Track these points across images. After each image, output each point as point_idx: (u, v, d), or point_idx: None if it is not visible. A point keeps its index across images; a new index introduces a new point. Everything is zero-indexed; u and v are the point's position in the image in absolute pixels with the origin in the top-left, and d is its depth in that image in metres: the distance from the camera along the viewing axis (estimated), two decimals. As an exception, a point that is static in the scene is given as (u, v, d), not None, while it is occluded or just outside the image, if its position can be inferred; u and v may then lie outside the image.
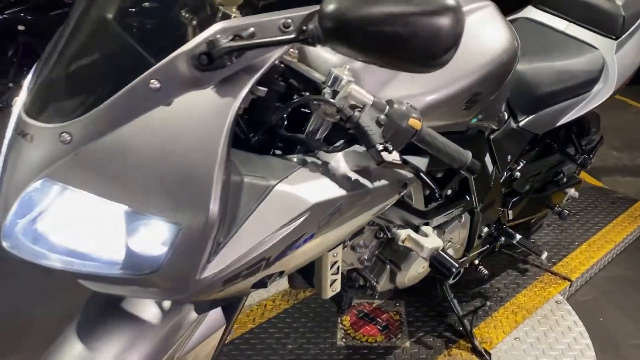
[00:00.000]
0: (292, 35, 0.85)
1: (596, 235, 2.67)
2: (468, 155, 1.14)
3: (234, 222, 0.91)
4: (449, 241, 1.77)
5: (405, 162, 1.10)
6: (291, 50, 1.13)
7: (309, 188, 1.00)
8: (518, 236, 1.98)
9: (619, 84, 1.89)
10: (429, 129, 1.08)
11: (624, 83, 1.92)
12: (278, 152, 1.08)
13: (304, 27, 0.84)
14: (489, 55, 1.27)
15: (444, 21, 0.80)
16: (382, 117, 1.02)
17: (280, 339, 2.09)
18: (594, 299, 2.40)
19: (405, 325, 2.14)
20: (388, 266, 1.63)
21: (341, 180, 1.06)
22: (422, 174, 1.17)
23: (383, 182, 1.14)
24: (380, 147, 1.01)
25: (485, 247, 1.98)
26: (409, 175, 1.21)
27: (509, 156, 1.75)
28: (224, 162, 0.85)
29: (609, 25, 1.90)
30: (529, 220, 2.39)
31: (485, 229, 1.88)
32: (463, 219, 1.76)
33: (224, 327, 1.23)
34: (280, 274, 1.06)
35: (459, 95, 1.23)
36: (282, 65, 1.08)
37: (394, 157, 1.06)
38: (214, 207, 0.85)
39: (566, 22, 1.97)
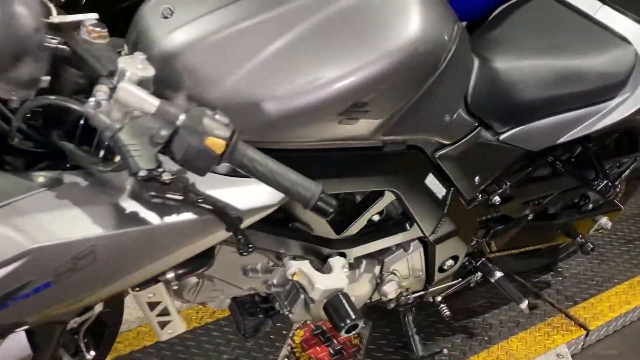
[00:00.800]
0: None
1: (638, 277, 2.14)
2: (314, 190, 0.82)
3: None
4: (392, 272, 1.43)
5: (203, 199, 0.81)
6: (90, 26, 0.86)
7: (36, 223, 0.74)
8: (498, 274, 1.58)
9: None
10: (252, 152, 0.78)
11: None
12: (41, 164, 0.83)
13: None
14: (384, 48, 0.91)
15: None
16: (163, 132, 0.74)
17: (220, 345, 1.87)
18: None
19: (362, 354, 1.83)
20: (302, 295, 1.34)
21: (103, 212, 0.78)
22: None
23: (189, 215, 0.85)
24: (144, 173, 0.73)
25: (456, 281, 1.60)
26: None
27: (477, 177, 1.35)
28: None
29: None
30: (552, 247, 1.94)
31: (450, 262, 1.50)
32: (411, 248, 1.41)
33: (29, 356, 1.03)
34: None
35: (325, 105, 0.89)
36: (68, 48, 0.83)
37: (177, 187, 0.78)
38: None
39: (600, 4, 1.48)
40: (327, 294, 1.15)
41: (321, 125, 0.92)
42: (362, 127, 0.97)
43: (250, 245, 0.89)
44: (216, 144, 0.75)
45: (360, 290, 1.38)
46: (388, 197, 1.21)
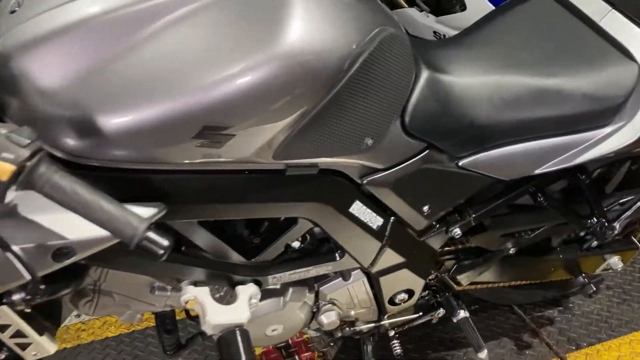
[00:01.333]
0: None
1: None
2: (136, 227, 0.69)
3: None
4: (330, 302, 1.27)
5: None
6: None
7: None
8: (462, 313, 1.38)
9: None
10: (60, 179, 0.67)
11: None
12: None
13: None
14: (245, 62, 0.75)
15: None
16: None
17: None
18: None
19: (324, 375, 1.69)
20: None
21: None
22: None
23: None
24: None
25: (416, 315, 1.42)
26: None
27: (427, 206, 1.16)
28: None
29: None
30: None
31: (403, 295, 1.33)
32: (352, 278, 1.24)
33: None
34: None
35: (168, 127, 0.75)
36: None
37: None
38: None
39: (608, 8, 1.22)
40: (219, 328, 1.02)
41: (175, 148, 0.78)
42: (234, 150, 0.82)
43: (37, 297, 0.78)
44: (1, 169, 0.64)
45: (289, 319, 1.24)
46: (304, 225, 1.06)
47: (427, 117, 1.04)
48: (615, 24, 1.19)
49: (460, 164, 1.14)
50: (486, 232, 1.36)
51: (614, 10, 1.20)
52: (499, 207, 1.27)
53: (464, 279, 1.40)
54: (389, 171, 1.06)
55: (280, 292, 1.20)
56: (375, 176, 1.05)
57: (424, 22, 2.77)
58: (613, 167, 1.49)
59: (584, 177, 1.28)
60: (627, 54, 1.13)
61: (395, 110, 0.98)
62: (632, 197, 1.36)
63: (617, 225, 1.31)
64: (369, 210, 1.10)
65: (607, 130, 1.14)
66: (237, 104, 0.75)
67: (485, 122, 1.09)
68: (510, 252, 1.42)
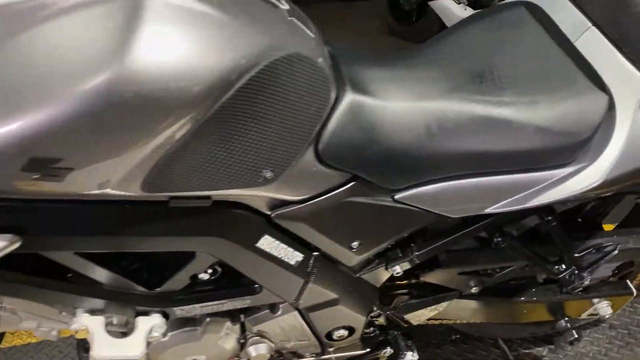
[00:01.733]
0: None
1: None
2: None
3: None
4: (259, 334, 1.18)
5: None
6: None
7: None
8: (409, 356, 1.25)
9: (627, 171, 0.94)
10: None
11: (635, 172, 0.95)
12: None
13: None
14: (80, 83, 0.65)
15: None
16: None
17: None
18: None
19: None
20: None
21: None
22: None
23: None
24: None
25: (363, 352, 1.30)
26: None
27: (356, 242, 1.03)
28: None
29: None
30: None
31: (342, 332, 1.21)
32: (280, 311, 1.14)
33: None
34: None
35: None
36: None
37: None
38: None
39: (589, 24, 1.04)
40: (107, 365, 0.95)
41: (10, 179, 0.70)
42: (80, 184, 0.73)
43: None
44: None
45: (210, 350, 1.15)
46: (205, 258, 0.96)
47: (348, 146, 0.91)
48: (592, 44, 1.01)
49: (396, 197, 1.01)
50: (441, 269, 1.22)
51: (593, 27, 1.02)
52: (448, 245, 1.12)
53: (416, 317, 1.26)
54: (305, 204, 0.95)
55: (197, 323, 1.11)
56: (287, 209, 0.94)
57: (461, 14, 2.59)
58: (608, 200, 1.32)
59: (550, 217, 1.11)
60: (598, 83, 0.95)
61: (302, 140, 0.86)
62: (611, 243, 1.18)
63: (586, 274, 1.14)
64: (283, 246, 0.99)
65: (567, 170, 0.97)
66: (63, 133, 0.65)
67: (421, 154, 0.95)
68: (472, 291, 1.28)
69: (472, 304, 1.30)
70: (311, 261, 1.04)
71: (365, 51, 1.06)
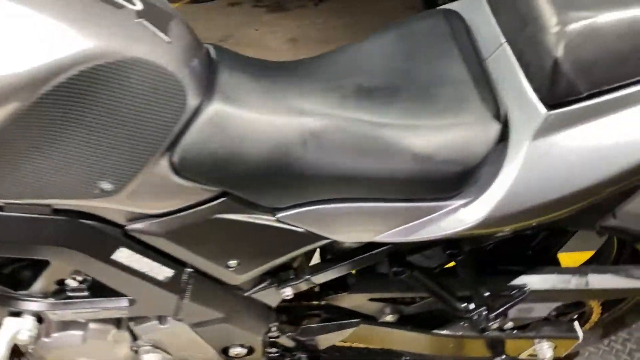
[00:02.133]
0: None
1: None
2: None
3: None
4: (150, 344, 1.14)
5: None
6: None
7: None
8: (309, 382, 1.18)
9: (513, 211, 0.82)
10: None
11: (524, 212, 0.82)
12: None
13: None
14: None
15: None
16: None
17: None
18: None
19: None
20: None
21: None
22: None
23: None
24: None
25: (269, 371, 1.24)
26: None
27: (233, 260, 0.97)
28: None
29: (537, 73, 0.80)
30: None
31: (239, 349, 1.16)
32: (168, 323, 1.09)
33: None
34: None
35: None
36: None
37: None
38: None
39: (502, 40, 0.91)
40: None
41: None
42: None
43: None
44: None
45: (98, 354, 1.13)
46: (61, 266, 0.93)
47: (210, 160, 0.84)
48: (502, 63, 0.89)
49: (278, 216, 0.94)
50: (350, 294, 1.14)
51: (506, 44, 0.90)
52: (345, 269, 1.04)
53: (322, 341, 1.19)
54: (164, 218, 0.89)
55: (80, 327, 1.08)
56: (143, 223, 0.89)
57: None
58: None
59: (455, 251, 1.01)
60: (493, 110, 0.84)
61: (148, 151, 0.80)
62: (524, 284, 1.06)
63: (497, 316, 1.03)
64: (147, 260, 0.94)
65: (453, 203, 0.87)
66: None
67: (298, 173, 0.87)
68: (388, 319, 1.19)
69: (389, 331, 1.20)
70: (184, 277, 0.99)
71: (257, 60, 0.99)
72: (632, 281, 1.17)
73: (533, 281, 1.10)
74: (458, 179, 0.85)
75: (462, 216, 0.86)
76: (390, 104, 0.88)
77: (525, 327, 1.26)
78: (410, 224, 0.90)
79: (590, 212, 1.04)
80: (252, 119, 0.85)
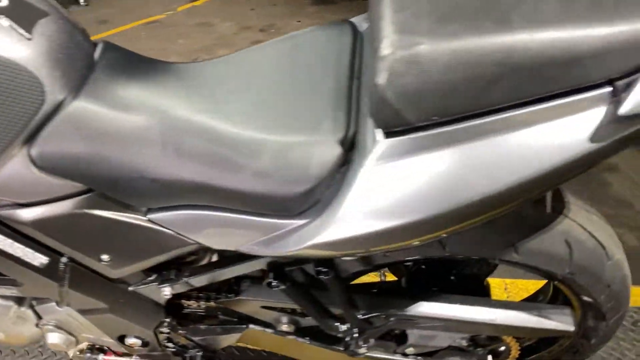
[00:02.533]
0: None
1: None
2: None
3: None
4: (53, 324, 1.19)
5: None
6: None
7: None
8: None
9: (339, 234, 0.77)
10: None
11: (352, 240, 0.76)
12: None
13: None
14: None
15: None
16: None
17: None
18: None
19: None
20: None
21: None
22: None
23: None
24: None
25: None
26: None
27: (106, 256, 0.99)
28: None
29: (371, 99, 0.74)
30: None
31: (133, 339, 1.18)
32: (64, 306, 1.14)
33: None
34: None
35: None
36: None
37: None
38: None
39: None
40: None
41: None
42: None
43: None
44: None
45: (2, 329, 1.19)
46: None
47: (68, 156, 0.87)
48: (368, 84, 0.85)
49: (150, 217, 0.95)
50: (241, 299, 1.13)
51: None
52: (222, 275, 1.04)
53: (217, 340, 1.19)
54: (27, 208, 0.93)
55: (-14, 301, 1.15)
56: (10, 211, 0.93)
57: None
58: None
59: (325, 269, 0.98)
60: (340, 132, 0.80)
61: (3, 142, 0.83)
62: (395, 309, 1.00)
63: (366, 339, 0.99)
64: (19, 245, 0.98)
65: (294, 223, 0.84)
66: None
67: (160, 176, 0.88)
68: (284, 329, 1.17)
69: (277, 338, 1.19)
70: (61, 266, 1.02)
71: (150, 61, 0.99)
72: (541, 321, 1.10)
73: (423, 309, 1.05)
74: (299, 199, 0.83)
75: (298, 237, 0.83)
76: (251, 116, 0.87)
77: (433, 354, 1.21)
78: (263, 238, 0.89)
79: (488, 243, 1.00)
80: (113, 118, 0.86)
